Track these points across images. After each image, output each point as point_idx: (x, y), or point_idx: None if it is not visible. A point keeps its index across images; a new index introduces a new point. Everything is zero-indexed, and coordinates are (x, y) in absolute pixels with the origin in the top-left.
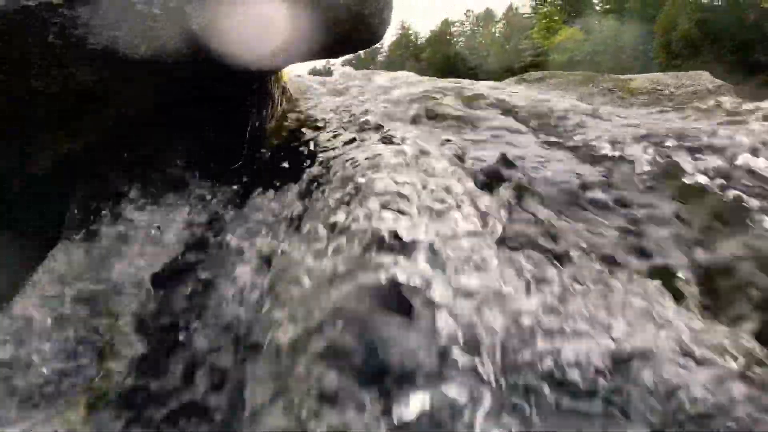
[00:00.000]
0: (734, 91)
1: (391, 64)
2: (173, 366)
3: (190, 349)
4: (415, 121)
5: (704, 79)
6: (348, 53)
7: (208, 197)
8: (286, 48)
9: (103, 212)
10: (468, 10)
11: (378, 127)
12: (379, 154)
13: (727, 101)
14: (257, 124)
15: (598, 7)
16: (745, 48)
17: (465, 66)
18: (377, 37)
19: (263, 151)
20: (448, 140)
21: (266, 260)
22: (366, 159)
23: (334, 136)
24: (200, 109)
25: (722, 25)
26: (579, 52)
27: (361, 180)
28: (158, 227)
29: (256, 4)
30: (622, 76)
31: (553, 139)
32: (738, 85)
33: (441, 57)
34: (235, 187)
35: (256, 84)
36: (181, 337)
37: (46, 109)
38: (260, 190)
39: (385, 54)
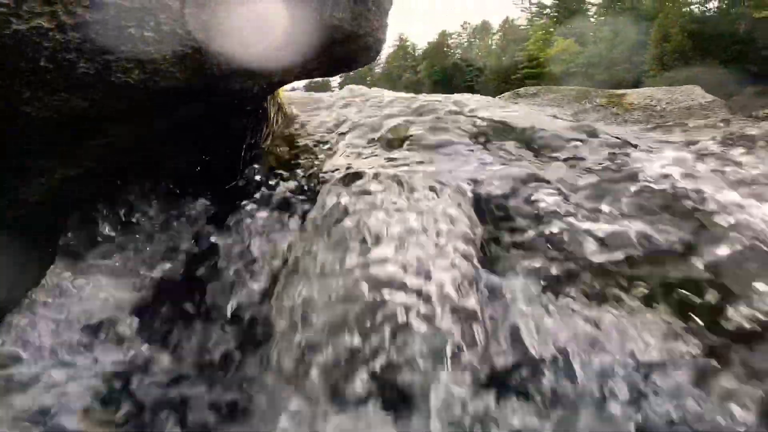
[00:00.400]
0: (726, 105)
1: (388, 76)
2: None
3: None
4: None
5: (696, 94)
6: (344, 72)
7: (200, 223)
8: (283, 69)
9: (98, 234)
10: (465, 22)
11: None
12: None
13: None
14: (252, 142)
15: (593, 19)
16: (738, 58)
17: (462, 78)
18: (372, 56)
19: (258, 171)
20: None
21: None
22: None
23: (328, 156)
24: (196, 130)
25: (714, 36)
26: (574, 64)
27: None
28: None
29: (252, 30)
30: (616, 91)
31: None
32: (731, 98)
33: (438, 69)
34: (226, 215)
35: (252, 105)
36: None
37: (38, 135)
38: (251, 216)
39: (382, 66)
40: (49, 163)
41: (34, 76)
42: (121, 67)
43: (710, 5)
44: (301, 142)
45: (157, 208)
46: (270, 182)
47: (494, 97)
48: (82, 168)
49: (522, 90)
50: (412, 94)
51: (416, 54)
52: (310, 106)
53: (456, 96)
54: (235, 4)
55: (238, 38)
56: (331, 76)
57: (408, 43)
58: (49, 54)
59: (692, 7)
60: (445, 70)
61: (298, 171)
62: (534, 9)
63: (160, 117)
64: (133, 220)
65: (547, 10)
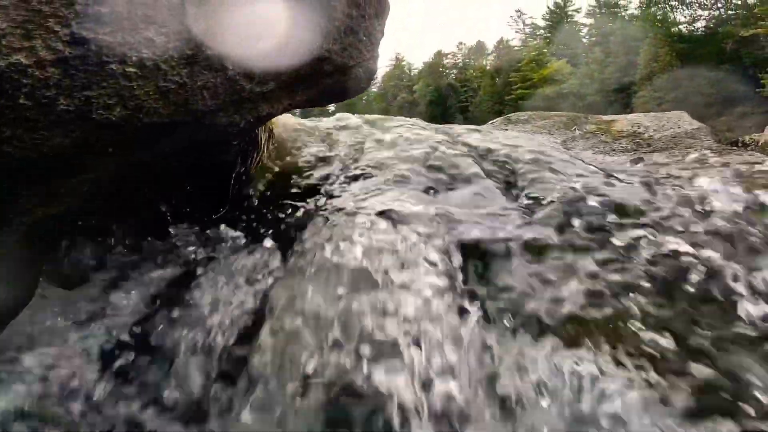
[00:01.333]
0: (711, 132)
1: (384, 96)
2: None
3: None
4: None
5: (683, 120)
6: (334, 102)
7: (183, 256)
8: (270, 103)
9: (83, 263)
10: (460, 43)
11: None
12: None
13: None
14: (242, 170)
15: (585, 40)
16: (725, 78)
17: (456, 98)
18: (363, 86)
19: (246, 199)
20: None
21: None
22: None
23: (316, 185)
24: (184, 161)
25: (702, 55)
26: (567, 85)
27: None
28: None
29: (240, 67)
30: (604, 117)
31: None
32: (719, 118)
33: (433, 89)
34: (209, 247)
35: (241, 138)
36: None
37: (18, 174)
38: (236, 250)
39: (378, 84)
40: (30, 203)
41: (13, 114)
42: (103, 104)
43: (698, 24)
44: (290, 167)
45: (138, 240)
46: (257, 213)
47: (487, 120)
48: (63, 205)
49: (513, 116)
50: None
51: (412, 73)
52: (303, 132)
53: None
54: (227, 35)
55: (224, 72)
56: (321, 106)
57: (404, 63)
58: (28, 91)
59: (681, 26)
60: (440, 90)
61: (288, 201)
62: (528, 30)
63: (143, 150)
64: (115, 251)
65: (541, 31)
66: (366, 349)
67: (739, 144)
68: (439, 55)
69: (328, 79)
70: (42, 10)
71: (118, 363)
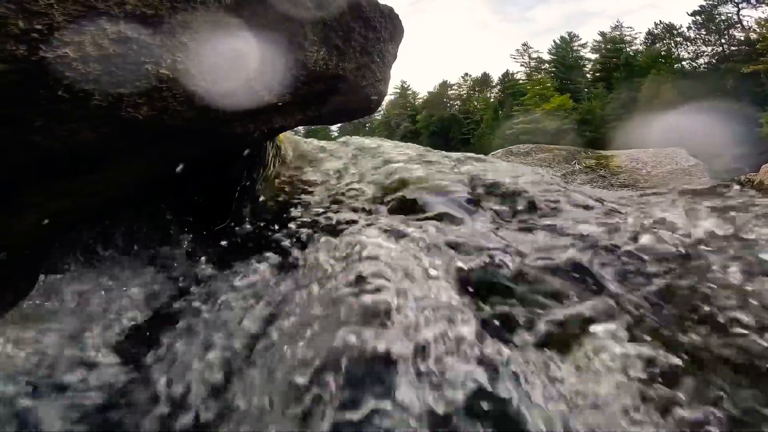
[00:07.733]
0: (707, 169)
1: (387, 124)
2: None
3: None
4: None
5: (680, 157)
6: (344, 121)
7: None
8: (284, 115)
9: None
10: (466, 74)
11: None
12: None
13: None
14: (247, 184)
15: (589, 75)
16: (724, 116)
17: (458, 130)
18: (373, 107)
19: (249, 215)
20: None
21: None
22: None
23: (321, 206)
24: (193, 171)
25: (703, 93)
26: (568, 120)
27: None
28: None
29: (255, 79)
30: (604, 152)
31: None
32: (717, 157)
33: (436, 120)
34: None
35: (251, 149)
36: None
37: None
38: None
39: (382, 112)
40: (38, 198)
41: (49, 106)
42: (133, 103)
43: (701, 60)
44: (297, 184)
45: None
46: (258, 228)
47: (488, 152)
48: (69, 201)
49: (514, 148)
50: None
51: (416, 102)
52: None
53: None
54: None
55: (242, 86)
56: (332, 124)
57: (409, 92)
58: (68, 83)
59: (684, 62)
60: (443, 121)
61: (289, 217)
62: (533, 63)
63: (160, 154)
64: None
65: (545, 66)
66: None
67: (736, 182)
68: (444, 85)
69: (340, 97)
70: (97, 7)
71: None
